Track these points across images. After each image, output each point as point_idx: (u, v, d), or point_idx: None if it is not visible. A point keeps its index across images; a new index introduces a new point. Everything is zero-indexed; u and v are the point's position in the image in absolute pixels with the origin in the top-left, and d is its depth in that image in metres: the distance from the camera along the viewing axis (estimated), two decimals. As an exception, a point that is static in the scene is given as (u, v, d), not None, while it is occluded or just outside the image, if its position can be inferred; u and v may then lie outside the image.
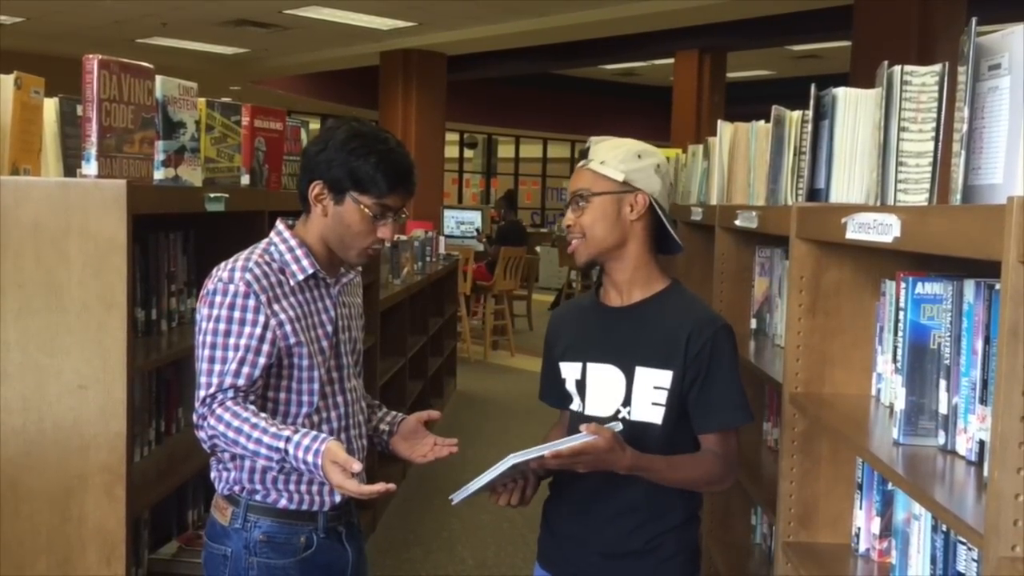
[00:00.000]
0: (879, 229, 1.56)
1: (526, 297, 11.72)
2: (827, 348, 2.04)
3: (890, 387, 1.85)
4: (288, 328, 1.98)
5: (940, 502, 1.34)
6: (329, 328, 2.08)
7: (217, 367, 1.93)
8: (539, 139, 22.18)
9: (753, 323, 2.94)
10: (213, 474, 2.08)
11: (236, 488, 2.03)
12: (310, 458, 1.85)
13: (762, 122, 2.80)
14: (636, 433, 1.97)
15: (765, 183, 2.61)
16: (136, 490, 2.14)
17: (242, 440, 1.88)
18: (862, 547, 1.94)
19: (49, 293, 2.05)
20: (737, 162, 3.11)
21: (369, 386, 2.35)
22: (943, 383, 1.57)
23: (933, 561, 1.64)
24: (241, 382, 1.93)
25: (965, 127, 1.43)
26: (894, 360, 1.79)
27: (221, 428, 1.90)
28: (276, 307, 1.97)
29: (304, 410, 2.03)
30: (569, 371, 2.11)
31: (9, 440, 2.07)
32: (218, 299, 1.95)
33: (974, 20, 1.42)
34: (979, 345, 1.46)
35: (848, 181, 2.06)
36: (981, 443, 1.45)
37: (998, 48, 1.39)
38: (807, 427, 2.05)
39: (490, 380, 8.88)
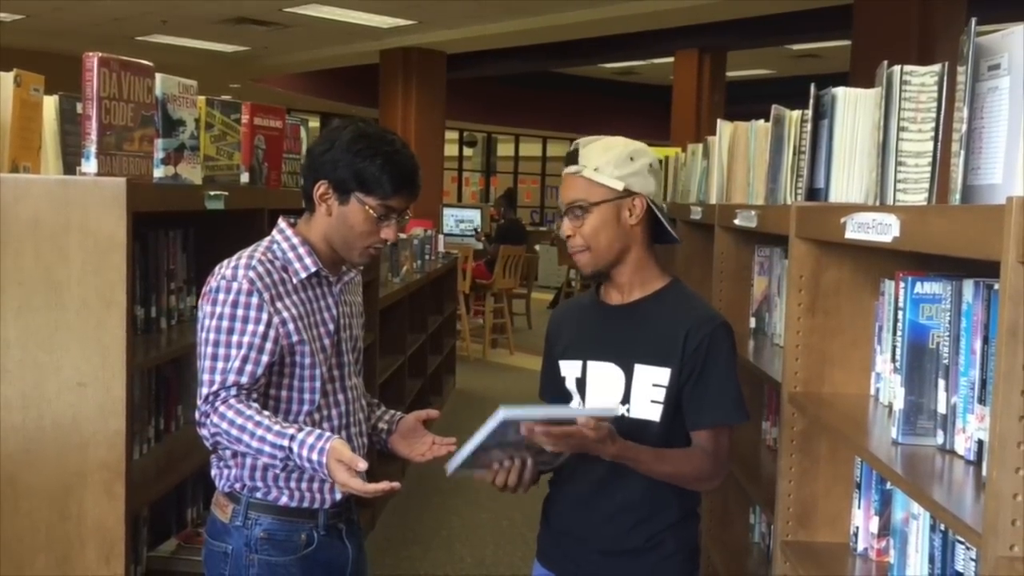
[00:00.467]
0: (878, 229, 1.56)
1: (525, 296, 11.72)
2: (826, 347, 2.04)
3: (889, 386, 1.85)
4: (291, 326, 1.98)
5: (938, 501, 1.35)
6: (331, 326, 2.08)
7: (220, 364, 1.93)
8: (538, 138, 22.17)
9: (752, 322, 2.94)
10: (214, 471, 2.08)
11: (237, 485, 2.04)
12: (315, 456, 1.85)
13: (762, 121, 2.80)
14: (635, 430, 1.97)
15: (764, 182, 2.61)
16: (135, 488, 2.14)
17: (246, 438, 1.88)
18: (860, 546, 1.94)
19: (49, 290, 2.05)
20: (736, 161, 3.11)
21: (368, 384, 2.35)
22: (942, 383, 1.57)
23: (931, 560, 1.64)
24: (244, 380, 1.93)
25: (964, 127, 1.43)
26: (893, 360, 1.79)
27: (224, 426, 1.90)
28: (279, 305, 1.97)
29: (305, 408, 2.03)
30: (569, 369, 2.12)
31: (8, 437, 2.07)
32: (221, 296, 1.95)
33: (974, 20, 1.42)
34: (978, 345, 1.46)
35: (847, 181, 2.06)
36: (980, 443, 1.45)
37: (998, 48, 1.39)
38: (806, 426, 2.05)
39: (489, 379, 8.88)
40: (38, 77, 2.23)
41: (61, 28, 11.95)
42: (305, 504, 2.05)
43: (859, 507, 1.94)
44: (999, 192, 1.36)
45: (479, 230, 12.42)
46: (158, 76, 2.33)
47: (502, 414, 1.78)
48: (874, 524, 1.89)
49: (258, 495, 2.03)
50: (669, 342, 2.00)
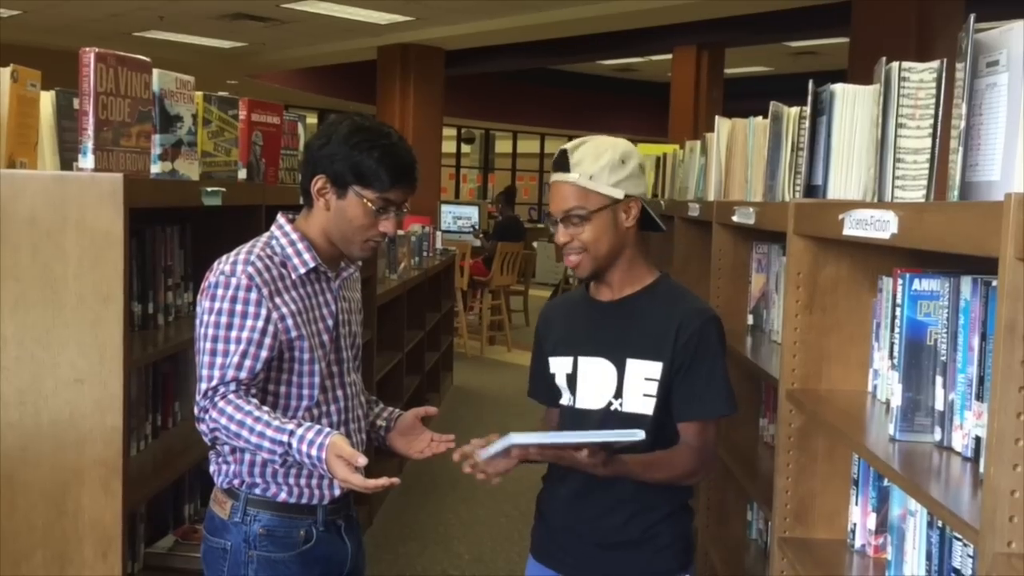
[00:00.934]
0: (876, 225, 1.56)
1: (523, 292, 11.75)
2: (824, 344, 2.04)
3: (886, 383, 1.85)
4: (289, 321, 1.98)
5: (936, 498, 1.35)
6: (330, 322, 2.08)
7: (219, 360, 1.93)
8: (537, 134, 22.15)
9: (750, 319, 2.94)
10: (212, 468, 2.08)
11: (235, 482, 2.04)
12: (314, 452, 1.85)
13: (760, 118, 2.80)
14: (628, 424, 1.98)
15: (763, 179, 2.61)
16: (132, 484, 2.14)
17: (245, 433, 1.88)
18: (858, 543, 1.94)
19: (45, 287, 2.04)
20: (735, 158, 3.11)
21: (366, 381, 2.35)
22: (939, 379, 1.57)
23: (928, 557, 1.65)
24: (243, 375, 1.93)
25: (963, 124, 1.43)
26: (891, 356, 1.79)
27: (223, 421, 1.90)
28: (278, 300, 1.97)
29: (304, 403, 2.03)
30: (559, 365, 2.12)
31: (5, 434, 2.07)
32: (220, 292, 1.95)
33: (972, 17, 1.42)
34: (975, 342, 1.46)
35: (846, 177, 2.06)
36: (977, 439, 1.45)
37: (996, 45, 1.39)
38: (803, 423, 2.05)
39: (487, 375, 8.88)
40: (35, 73, 2.22)
41: (58, 24, 11.93)
42: (304, 500, 2.05)
43: (856, 504, 1.94)
44: (997, 189, 1.36)
45: (477, 227, 12.42)
46: (155, 72, 2.32)
47: (513, 439, 1.83)
48: (871, 521, 1.90)
49: (257, 491, 2.03)
50: (661, 336, 2.02)
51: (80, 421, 2.06)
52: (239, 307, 1.94)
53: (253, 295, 1.94)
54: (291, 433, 1.87)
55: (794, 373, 2.05)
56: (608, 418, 2.04)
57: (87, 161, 2.07)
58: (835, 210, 1.75)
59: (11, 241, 2.04)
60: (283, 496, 2.03)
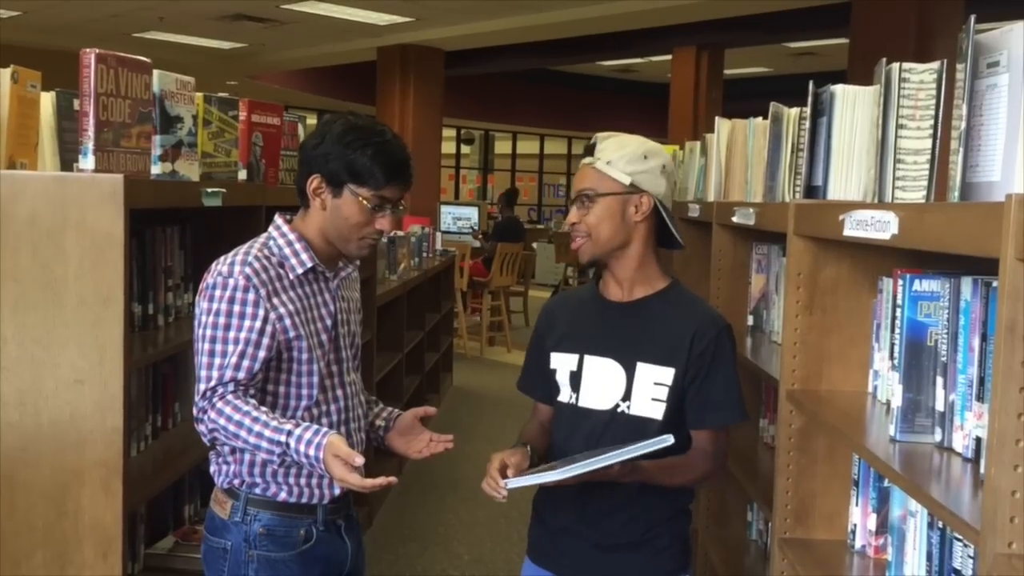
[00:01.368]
0: (877, 226, 1.56)
1: (523, 293, 11.75)
2: (824, 345, 2.04)
3: (887, 384, 1.85)
4: (287, 321, 1.98)
5: (936, 499, 1.35)
6: (328, 322, 2.08)
7: (217, 360, 1.93)
8: (536, 135, 22.16)
9: (750, 320, 2.94)
10: (212, 468, 2.08)
11: (235, 481, 2.04)
12: (312, 452, 1.85)
13: (760, 119, 2.80)
14: (635, 428, 1.98)
15: (763, 180, 2.61)
16: (132, 485, 2.13)
17: (243, 433, 1.89)
18: (858, 543, 1.94)
19: (46, 287, 2.04)
20: (735, 159, 3.11)
21: (366, 381, 2.35)
22: (940, 380, 1.57)
23: (929, 558, 1.65)
24: (241, 375, 1.93)
25: (963, 124, 1.43)
26: (891, 357, 1.79)
27: (222, 421, 1.90)
28: (275, 300, 1.98)
29: (304, 403, 2.04)
30: (563, 361, 2.11)
31: (5, 435, 2.07)
32: (218, 293, 1.95)
33: (973, 17, 1.42)
34: (976, 342, 1.46)
35: (846, 178, 2.06)
36: (978, 440, 1.45)
37: (997, 45, 1.39)
38: (804, 424, 2.05)
39: (486, 376, 8.88)
40: (35, 73, 2.22)
41: (58, 24, 11.93)
42: (304, 500, 2.05)
43: (857, 504, 1.94)
44: (998, 189, 1.36)
45: (476, 228, 12.42)
46: (155, 72, 2.32)
47: (551, 477, 1.86)
48: (872, 521, 1.90)
49: (257, 491, 2.03)
50: (675, 342, 2.02)
51: (80, 422, 2.06)
52: (237, 308, 1.94)
53: (251, 296, 1.95)
54: (289, 433, 1.87)
55: (794, 374, 2.05)
56: (615, 420, 2.03)
57: (87, 162, 2.07)
58: (835, 211, 1.75)
59: (11, 242, 2.04)
60: (283, 496, 2.04)
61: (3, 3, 10.86)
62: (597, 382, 2.07)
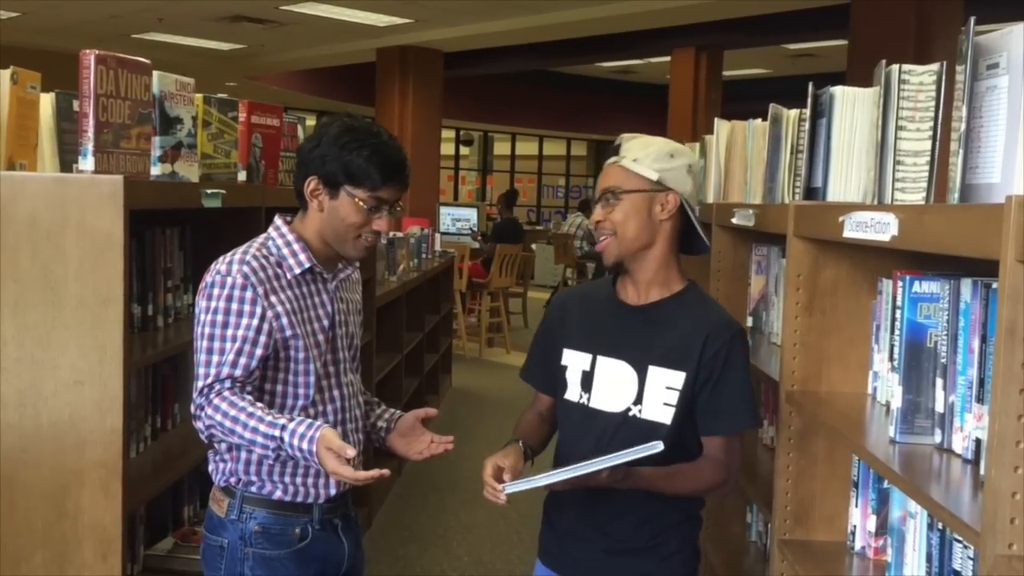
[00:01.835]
0: (876, 228, 1.56)
1: (522, 294, 11.74)
2: (824, 346, 2.04)
3: (886, 385, 1.85)
4: (284, 320, 1.99)
5: (936, 500, 1.35)
6: (325, 322, 2.09)
7: (215, 358, 1.94)
8: (535, 136, 22.16)
9: (749, 321, 2.94)
10: (210, 466, 2.09)
11: (232, 480, 2.05)
12: (305, 445, 1.86)
13: (759, 120, 2.80)
14: (645, 432, 1.97)
15: (762, 181, 2.61)
16: (132, 486, 2.13)
17: (239, 429, 1.89)
18: (858, 545, 1.94)
19: (45, 288, 2.04)
20: (734, 160, 3.11)
21: (365, 382, 2.35)
22: (939, 381, 1.58)
23: (929, 559, 1.65)
24: (238, 373, 1.94)
25: (963, 126, 1.43)
26: (891, 358, 1.79)
27: (218, 418, 1.91)
28: (273, 299, 1.99)
29: (300, 403, 2.05)
30: (575, 360, 2.11)
31: (5, 435, 2.07)
32: (216, 291, 1.97)
33: (972, 19, 1.42)
34: (976, 344, 1.46)
35: (845, 180, 2.06)
36: (977, 441, 1.45)
37: (996, 47, 1.40)
38: (803, 425, 2.05)
39: (485, 377, 8.88)
40: (35, 74, 2.22)
41: (57, 25, 11.93)
42: (299, 498, 2.06)
43: (856, 506, 1.94)
44: (998, 191, 1.36)
45: (476, 229, 12.41)
46: (155, 73, 2.32)
47: (543, 481, 1.87)
48: (871, 523, 1.90)
49: (253, 489, 2.04)
50: (687, 346, 2.00)
51: (80, 423, 2.06)
52: (235, 306, 1.95)
53: (248, 294, 1.96)
54: (283, 427, 1.88)
55: (794, 375, 2.05)
56: (626, 423, 2.02)
57: (87, 163, 2.07)
58: (835, 212, 1.75)
59: (11, 243, 2.04)
60: (279, 494, 2.05)
61: (2, 4, 10.86)
62: (609, 384, 2.05)
